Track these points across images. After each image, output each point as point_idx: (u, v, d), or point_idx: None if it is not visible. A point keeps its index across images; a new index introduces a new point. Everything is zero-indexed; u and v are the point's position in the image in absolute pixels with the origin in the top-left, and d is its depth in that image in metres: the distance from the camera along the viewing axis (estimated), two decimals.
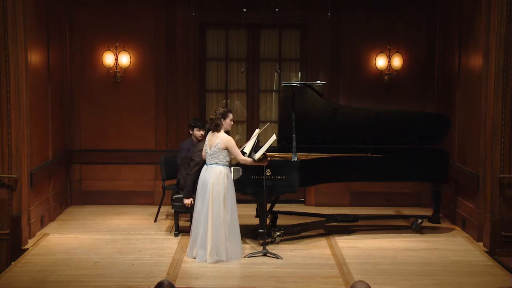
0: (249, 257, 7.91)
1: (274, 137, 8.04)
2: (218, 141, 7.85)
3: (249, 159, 7.92)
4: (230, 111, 8.04)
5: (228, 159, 7.90)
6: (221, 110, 7.99)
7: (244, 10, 10.20)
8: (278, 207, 9.37)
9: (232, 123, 8.08)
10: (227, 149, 7.84)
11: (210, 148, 7.89)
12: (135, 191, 10.69)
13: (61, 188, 10.15)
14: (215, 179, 7.79)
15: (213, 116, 7.95)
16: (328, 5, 10.10)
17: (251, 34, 10.88)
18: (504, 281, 7.20)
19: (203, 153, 8.11)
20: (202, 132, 9.10)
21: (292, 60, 10.99)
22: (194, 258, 7.83)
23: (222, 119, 7.91)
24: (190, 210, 8.40)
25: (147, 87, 10.63)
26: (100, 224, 9.53)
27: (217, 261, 7.71)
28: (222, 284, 7.13)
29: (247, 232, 8.74)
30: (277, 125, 9.16)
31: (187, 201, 8.44)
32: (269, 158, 8.30)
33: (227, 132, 8.05)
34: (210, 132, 8.03)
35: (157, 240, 8.65)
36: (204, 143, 8.20)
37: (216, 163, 7.85)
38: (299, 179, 8.33)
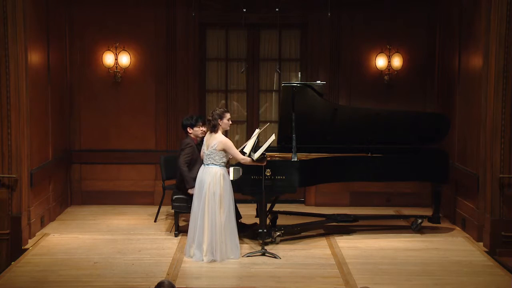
0: (247, 256, 7.92)
1: (273, 137, 8.04)
2: (215, 142, 7.87)
3: (249, 158, 7.93)
4: (227, 111, 8.05)
5: (224, 160, 7.91)
6: (218, 110, 7.99)
7: (244, 10, 10.19)
8: (278, 207, 9.37)
9: (230, 122, 8.08)
10: (224, 150, 7.86)
11: (207, 149, 7.92)
12: (135, 191, 10.69)
13: (61, 188, 10.15)
14: (211, 180, 7.80)
15: (210, 117, 7.97)
16: (328, 5, 10.10)
17: (251, 34, 10.89)
18: (504, 281, 7.20)
19: (201, 153, 8.14)
20: (203, 128, 8.94)
21: (292, 60, 10.99)
22: (191, 257, 7.84)
23: (219, 120, 7.92)
24: (190, 210, 8.40)
25: (147, 87, 10.63)
26: (100, 224, 9.53)
27: (213, 261, 7.72)
28: (222, 284, 7.13)
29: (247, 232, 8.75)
30: (277, 125, 9.16)
31: (191, 191, 8.37)
32: (269, 158, 8.30)
33: (225, 132, 8.04)
34: (208, 132, 8.05)
35: (157, 240, 8.65)
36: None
37: (213, 163, 7.87)
38: (299, 179, 8.33)
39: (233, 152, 7.89)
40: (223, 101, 10.90)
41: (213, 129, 7.95)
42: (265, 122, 10.83)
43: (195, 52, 10.66)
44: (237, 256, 7.87)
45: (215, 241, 7.74)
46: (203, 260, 7.73)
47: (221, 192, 7.80)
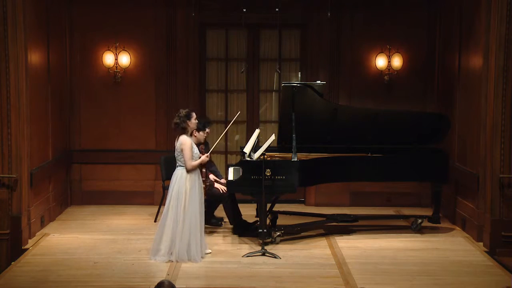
0: (247, 256, 7.92)
1: (273, 137, 8.03)
2: (178, 143, 7.75)
3: (196, 163, 7.72)
4: (193, 111, 7.89)
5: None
6: (183, 112, 7.78)
7: (244, 10, 10.19)
8: (278, 207, 9.36)
9: (197, 121, 7.95)
10: (182, 150, 7.73)
11: (175, 151, 7.83)
12: (135, 191, 10.69)
13: (61, 188, 10.15)
14: (176, 181, 7.72)
15: (178, 120, 7.74)
16: (328, 5, 10.11)
17: (251, 34, 10.89)
18: (504, 281, 7.20)
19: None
20: (208, 131, 8.83)
21: (292, 60, 10.99)
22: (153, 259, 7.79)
23: (187, 121, 7.74)
24: None
25: (147, 87, 10.63)
26: (100, 224, 9.53)
27: (169, 261, 7.66)
28: (222, 284, 7.12)
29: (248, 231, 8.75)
30: (277, 125, 9.15)
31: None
32: (269, 158, 8.30)
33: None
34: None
35: None
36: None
37: (180, 165, 7.78)
38: (299, 179, 8.33)
39: (186, 155, 7.67)
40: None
41: (183, 131, 7.76)
42: (265, 122, 10.87)
43: (195, 52, 10.66)
44: (197, 259, 7.70)
45: (175, 242, 7.66)
46: (156, 260, 7.69)
47: (184, 193, 7.66)
